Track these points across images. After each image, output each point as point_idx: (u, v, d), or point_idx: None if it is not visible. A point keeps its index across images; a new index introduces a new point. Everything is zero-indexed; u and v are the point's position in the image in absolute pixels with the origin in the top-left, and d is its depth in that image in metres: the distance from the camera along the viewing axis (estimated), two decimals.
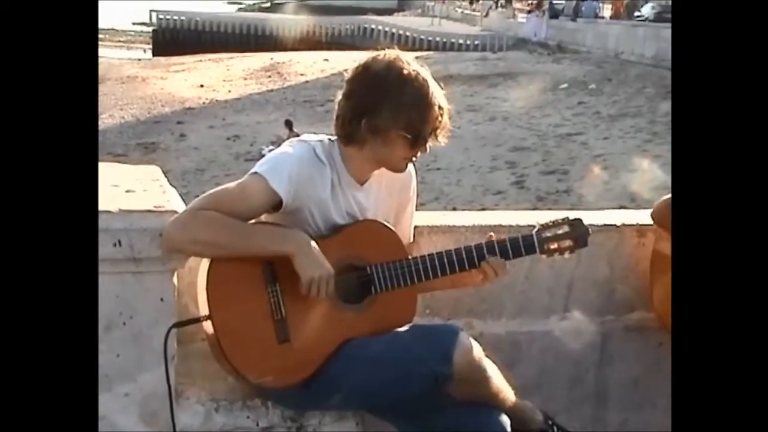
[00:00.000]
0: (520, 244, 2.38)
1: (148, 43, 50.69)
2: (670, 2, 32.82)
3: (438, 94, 2.27)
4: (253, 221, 2.24)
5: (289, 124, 18.01)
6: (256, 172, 2.21)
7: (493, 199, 14.17)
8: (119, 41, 52.38)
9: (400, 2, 69.09)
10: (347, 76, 2.32)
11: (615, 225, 3.00)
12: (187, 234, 2.15)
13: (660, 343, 2.97)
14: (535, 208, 12.37)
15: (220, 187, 2.24)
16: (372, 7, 59.03)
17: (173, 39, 48.27)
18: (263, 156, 2.56)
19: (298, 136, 2.47)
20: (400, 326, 2.33)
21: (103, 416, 2.13)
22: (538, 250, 2.39)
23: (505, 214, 3.07)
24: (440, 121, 2.27)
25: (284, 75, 29.21)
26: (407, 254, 2.37)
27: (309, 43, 43.15)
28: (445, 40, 39.31)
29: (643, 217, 3.01)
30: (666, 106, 18.31)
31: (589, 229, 2.43)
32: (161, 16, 52.66)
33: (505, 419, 2.29)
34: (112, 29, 54.85)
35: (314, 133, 2.40)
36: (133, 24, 61.53)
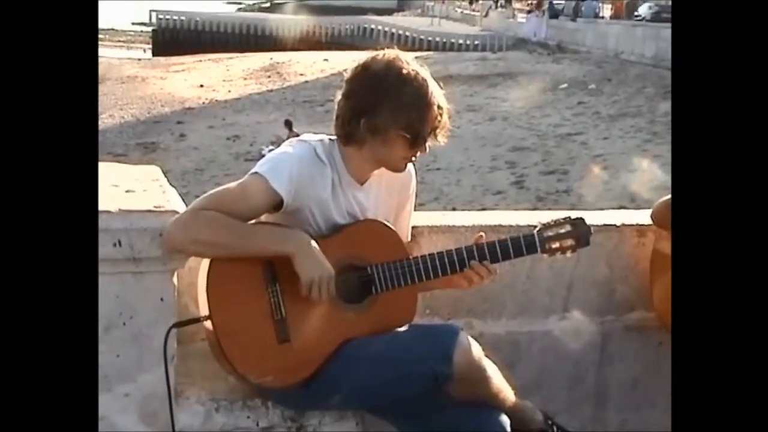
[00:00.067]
0: (521, 244, 2.38)
1: (148, 43, 50.69)
2: (667, 2, 32.89)
3: (437, 93, 2.27)
4: (253, 221, 2.24)
5: (288, 124, 18.01)
6: (256, 172, 2.21)
7: (493, 199, 14.16)
8: (119, 41, 52.38)
9: (399, 2, 69.07)
10: (347, 76, 2.32)
11: (615, 225, 3.00)
12: (187, 234, 2.15)
13: (660, 343, 2.97)
14: (534, 208, 12.36)
15: (220, 188, 2.24)
16: (372, 7, 59.01)
17: (173, 39, 48.26)
18: (263, 156, 2.56)
19: (297, 136, 2.47)
20: (401, 326, 2.34)
21: (102, 416, 2.12)
22: (539, 249, 2.39)
23: (505, 214, 3.07)
24: (440, 121, 2.27)
25: (284, 75, 29.20)
26: (408, 254, 2.37)
27: (309, 43, 43.13)
28: (444, 40, 39.31)
29: (642, 217, 3.01)
30: (665, 106, 18.31)
31: (591, 229, 2.43)
32: (161, 16, 52.64)
33: (505, 419, 2.29)
34: (112, 29, 54.86)
35: (314, 133, 2.40)
36: (133, 24, 61.54)
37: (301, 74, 29.10)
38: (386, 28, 44.55)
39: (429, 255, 2.34)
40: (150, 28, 53.52)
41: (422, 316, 2.64)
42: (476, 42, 37.53)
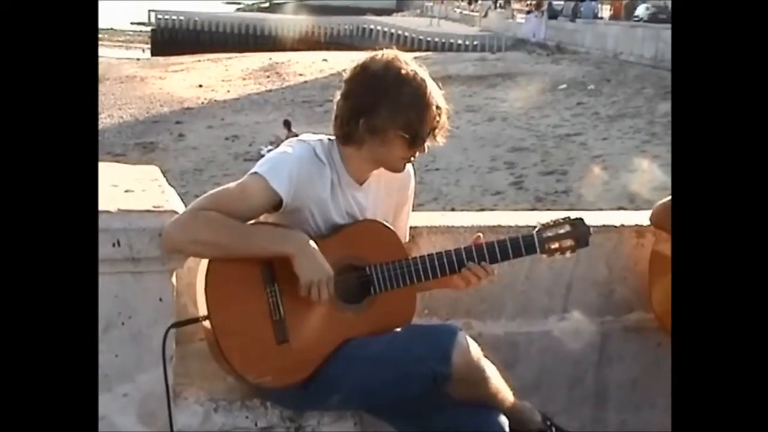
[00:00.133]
0: (520, 244, 2.37)
1: (147, 43, 50.71)
2: (663, 3, 32.94)
3: (436, 94, 2.27)
4: (253, 221, 2.24)
5: (287, 124, 18.01)
6: (256, 172, 2.21)
7: (492, 200, 14.17)
8: (118, 41, 52.38)
9: (398, 2, 69.13)
10: (345, 76, 2.32)
11: (614, 226, 3.00)
12: (187, 234, 2.15)
13: (659, 344, 2.97)
14: (533, 209, 12.38)
15: (220, 188, 2.24)
16: (371, 7, 59.06)
17: (172, 39, 48.27)
18: (262, 156, 2.56)
19: (296, 136, 2.47)
20: (400, 326, 2.34)
21: (102, 416, 2.12)
22: (538, 249, 2.39)
23: (505, 214, 3.07)
24: (438, 121, 2.27)
25: (283, 75, 29.21)
26: (407, 254, 2.37)
27: (308, 43, 43.17)
28: (443, 40, 39.34)
29: (642, 218, 3.02)
30: (665, 107, 18.33)
31: (590, 229, 2.43)
32: (160, 16, 52.65)
33: (504, 420, 2.29)
34: (111, 29, 54.85)
35: (313, 133, 2.39)
36: (132, 24, 61.56)
37: (300, 74, 29.12)
38: (385, 29, 44.57)
39: (428, 255, 2.34)
40: (149, 28, 53.52)
41: (421, 317, 2.64)
42: (475, 42, 37.57)
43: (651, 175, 13.31)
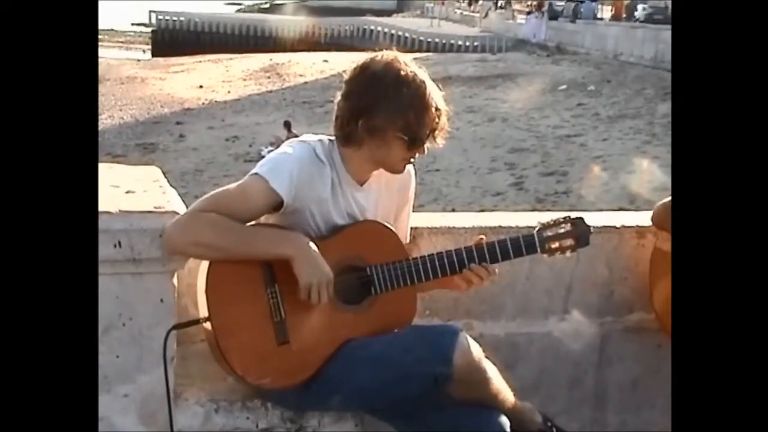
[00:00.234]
0: (521, 244, 2.37)
1: (148, 44, 50.71)
2: (664, 3, 32.97)
3: (436, 95, 2.27)
4: (253, 222, 2.24)
5: (287, 125, 18.01)
6: (256, 173, 2.21)
7: (492, 201, 14.17)
8: (118, 42, 52.37)
9: (399, 3, 69.19)
10: (346, 76, 2.32)
11: (614, 226, 3.00)
12: (187, 236, 2.15)
13: (659, 345, 2.97)
14: (534, 210, 12.38)
15: (220, 189, 2.24)
16: (371, 8, 59.10)
17: (172, 40, 48.28)
18: (262, 157, 2.56)
19: (296, 136, 2.47)
20: (400, 327, 2.34)
21: (102, 417, 2.12)
22: (539, 249, 2.39)
23: (505, 215, 3.08)
24: (437, 123, 2.27)
25: (283, 76, 29.22)
26: (407, 255, 2.37)
27: (308, 44, 43.18)
28: (444, 41, 39.35)
29: (642, 218, 3.02)
30: (664, 108, 18.33)
31: (591, 228, 2.43)
32: (160, 17, 52.66)
33: (505, 420, 2.29)
34: (112, 30, 54.85)
35: (313, 134, 2.39)
36: (133, 24, 61.56)
37: (301, 75, 29.13)
38: (386, 29, 44.59)
39: (428, 256, 2.34)
40: (149, 29, 53.55)
41: (422, 317, 2.64)
42: (476, 43, 37.59)
43: (651, 175, 13.32)
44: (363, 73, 2.28)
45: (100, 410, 1.99)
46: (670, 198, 2.82)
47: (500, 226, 2.79)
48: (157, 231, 2.17)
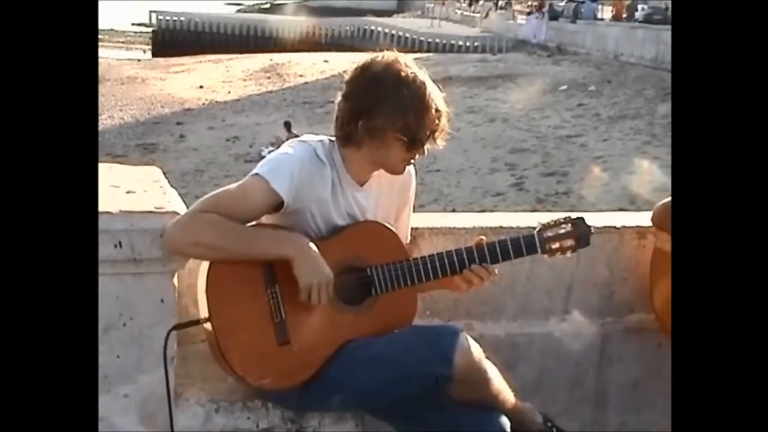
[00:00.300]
0: (521, 244, 2.37)
1: (148, 44, 50.74)
2: (662, 4, 32.98)
3: (436, 97, 2.27)
4: (254, 222, 2.24)
5: (288, 125, 18.01)
6: (257, 174, 2.21)
7: (493, 201, 14.17)
8: (119, 42, 52.38)
9: (399, 4, 69.23)
10: (347, 77, 2.32)
11: (615, 227, 3.00)
12: (188, 237, 2.15)
13: (659, 345, 2.97)
14: (534, 210, 12.38)
15: (220, 189, 2.24)
16: (371, 8, 59.12)
17: (173, 40, 48.31)
18: (263, 157, 2.56)
19: (296, 137, 2.47)
20: (401, 327, 2.33)
21: (102, 417, 2.12)
22: (539, 249, 2.39)
23: (505, 215, 3.08)
24: (437, 125, 2.27)
25: (284, 76, 29.23)
26: (407, 255, 2.37)
27: (308, 44, 43.20)
28: (444, 41, 39.36)
29: (642, 219, 3.01)
30: (665, 108, 18.34)
31: (591, 228, 2.43)
32: (161, 17, 52.68)
33: (505, 421, 2.29)
34: (112, 30, 54.86)
35: (313, 134, 2.39)
36: (133, 25, 61.57)
37: (301, 75, 29.14)
38: (386, 30, 44.60)
39: (429, 256, 2.34)
40: (150, 29, 53.58)
41: (422, 318, 2.64)
42: (476, 43, 37.61)
43: (651, 176, 13.33)
44: (364, 73, 2.28)
45: (100, 410, 1.99)
46: (669, 199, 2.82)
47: (501, 227, 2.79)
48: (158, 231, 2.17)
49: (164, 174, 2.68)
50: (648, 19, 31.97)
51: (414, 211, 2.57)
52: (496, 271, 2.37)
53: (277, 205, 2.21)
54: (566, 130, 18.75)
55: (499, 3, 47.33)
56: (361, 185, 2.36)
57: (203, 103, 24.95)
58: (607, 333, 3.04)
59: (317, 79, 27.78)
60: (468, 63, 29.12)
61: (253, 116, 22.69)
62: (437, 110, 2.26)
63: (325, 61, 31.02)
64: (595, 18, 35.85)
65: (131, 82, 29.07)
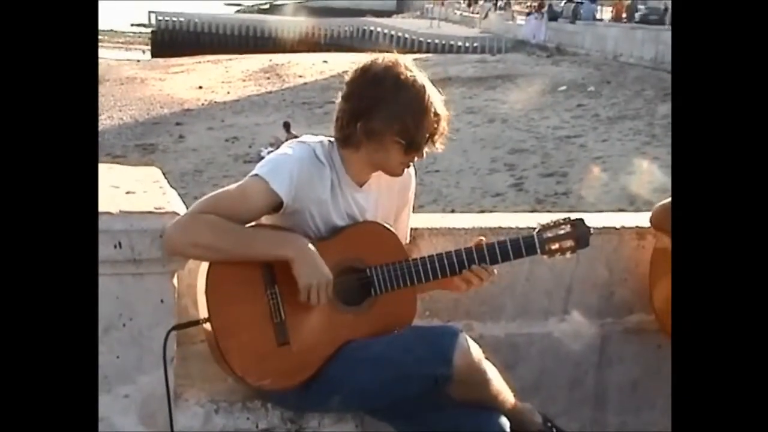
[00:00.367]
0: (520, 245, 2.37)
1: (147, 45, 50.71)
2: (661, 5, 33.00)
3: (435, 100, 2.26)
4: (253, 223, 2.24)
5: (287, 125, 18.00)
6: (256, 174, 2.21)
7: (492, 201, 14.17)
8: (118, 42, 52.35)
9: (399, 4, 69.24)
10: (347, 78, 2.32)
11: (614, 227, 3.00)
12: (187, 237, 2.15)
13: (659, 346, 2.97)
14: (534, 211, 12.39)
15: (220, 190, 2.24)
16: (371, 8, 59.13)
17: (172, 40, 48.27)
18: (262, 158, 2.56)
19: (296, 137, 2.47)
20: (400, 328, 2.34)
21: (102, 417, 2.12)
22: (539, 250, 2.39)
23: (505, 216, 3.08)
24: (436, 128, 2.26)
25: (283, 76, 29.23)
26: (407, 256, 2.37)
27: (308, 44, 43.18)
28: (443, 42, 39.35)
29: (642, 219, 3.01)
30: (664, 109, 18.34)
31: (591, 229, 2.43)
32: (160, 18, 52.64)
33: (505, 421, 2.29)
34: (111, 30, 54.84)
35: (313, 134, 2.39)
36: (132, 25, 61.55)
37: (300, 76, 29.13)
38: (385, 30, 44.60)
39: (428, 257, 2.34)
40: (149, 30, 53.52)
41: (422, 318, 2.64)
42: (475, 44, 37.61)
43: (651, 176, 13.33)
44: (364, 75, 2.28)
45: (100, 411, 1.99)
46: (667, 200, 2.82)
47: (500, 227, 2.79)
48: (158, 231, 2.17)
49: (163, 174, 2.68)
50: (644, 20, 31.97)
51: (413, 212, 2.57)
52: (496, 271, 2.37)
53: (277, 206, 2.21)
54: (565, 131, 18.76)
55: (499, 3, 47.32)
56: (361, 186, 2.36)
57: (202, 104, 24.94)
58: (606, 333, 3.05)
59: (316, 79, 27.78)
60: (467, 63, 29.12)
61: (252, 117, 22.68)
62: (436, 114, 2.25)
63: (325, 61, 31.01)
64: (594, 18, 35.84)
65: (130, 82, 29.06)
